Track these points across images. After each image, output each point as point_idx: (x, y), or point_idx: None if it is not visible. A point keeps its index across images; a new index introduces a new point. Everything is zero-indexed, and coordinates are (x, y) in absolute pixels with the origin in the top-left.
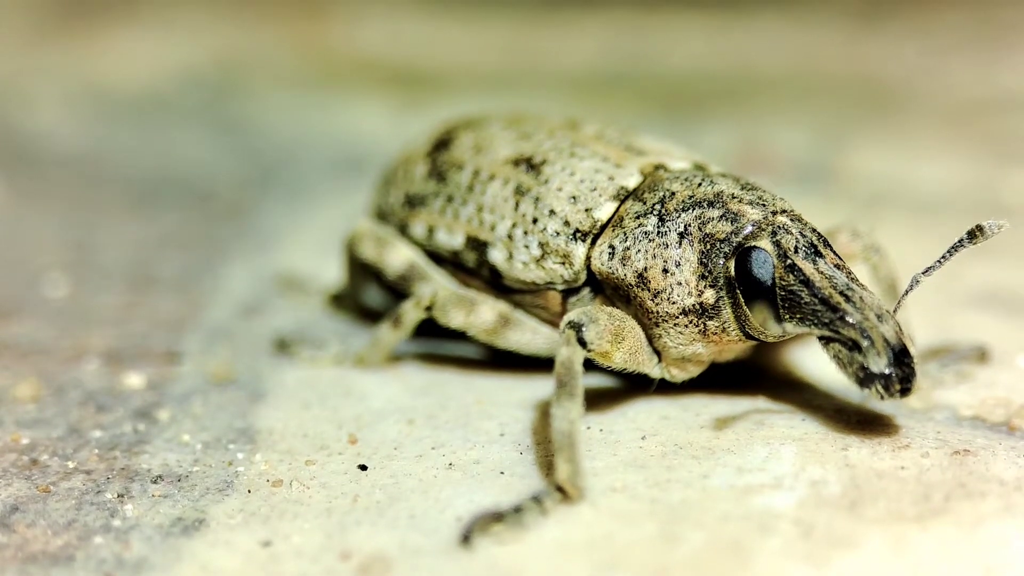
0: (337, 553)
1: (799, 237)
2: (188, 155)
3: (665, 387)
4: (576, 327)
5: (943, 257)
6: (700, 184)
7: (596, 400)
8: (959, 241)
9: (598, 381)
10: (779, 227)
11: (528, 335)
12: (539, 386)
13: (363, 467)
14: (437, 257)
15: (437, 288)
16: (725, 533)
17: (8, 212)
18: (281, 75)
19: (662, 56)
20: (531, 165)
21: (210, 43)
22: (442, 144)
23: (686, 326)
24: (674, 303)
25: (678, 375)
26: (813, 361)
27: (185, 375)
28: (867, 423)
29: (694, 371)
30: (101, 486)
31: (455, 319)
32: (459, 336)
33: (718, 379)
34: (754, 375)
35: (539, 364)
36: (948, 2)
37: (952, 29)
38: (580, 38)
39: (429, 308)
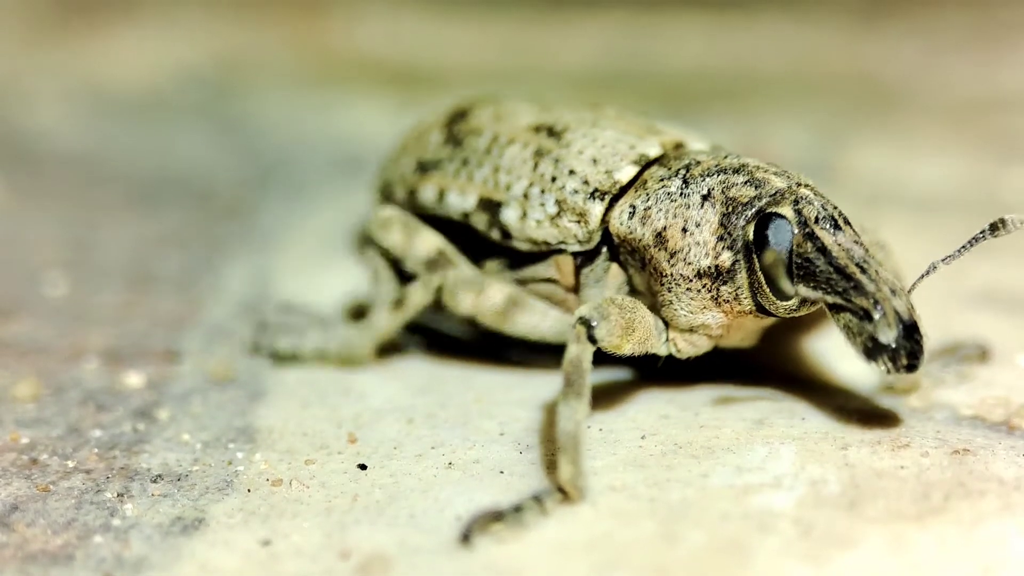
0: (336, 552)
1: (821, 209)
2: (188, 154)
3: (665, 385)
4: (587, 324)
5: (963, 247)
6: (726, 157)
7: (596, 398)
8: (980, 233)
9: (598, 377)
10: (802, 197)
11: (537, 317)
12: (539, 385)
13: (362, 466)
14: (443, 223)
15: (446, 271)
16: (724, 532)
17: (7, 211)
18: (281, 74)
19: (663, 55)
20: (552, 132)
21: (209, 42)
22: (459, 115)
23: (699, 291)
24: (690, 264)
25: (684, 349)
26: (813, 360)
27: (185, 374)
28: (867, 422)
29: (700, 346)
30: (101, 485)
31: (464, 303)
32: (457, 340)
33: (718, 378)
34: (754, 374)
35: (538, 360)
36: (948, 1)
37: (952, 28)
38: (581, 37)
39: (438, 290)
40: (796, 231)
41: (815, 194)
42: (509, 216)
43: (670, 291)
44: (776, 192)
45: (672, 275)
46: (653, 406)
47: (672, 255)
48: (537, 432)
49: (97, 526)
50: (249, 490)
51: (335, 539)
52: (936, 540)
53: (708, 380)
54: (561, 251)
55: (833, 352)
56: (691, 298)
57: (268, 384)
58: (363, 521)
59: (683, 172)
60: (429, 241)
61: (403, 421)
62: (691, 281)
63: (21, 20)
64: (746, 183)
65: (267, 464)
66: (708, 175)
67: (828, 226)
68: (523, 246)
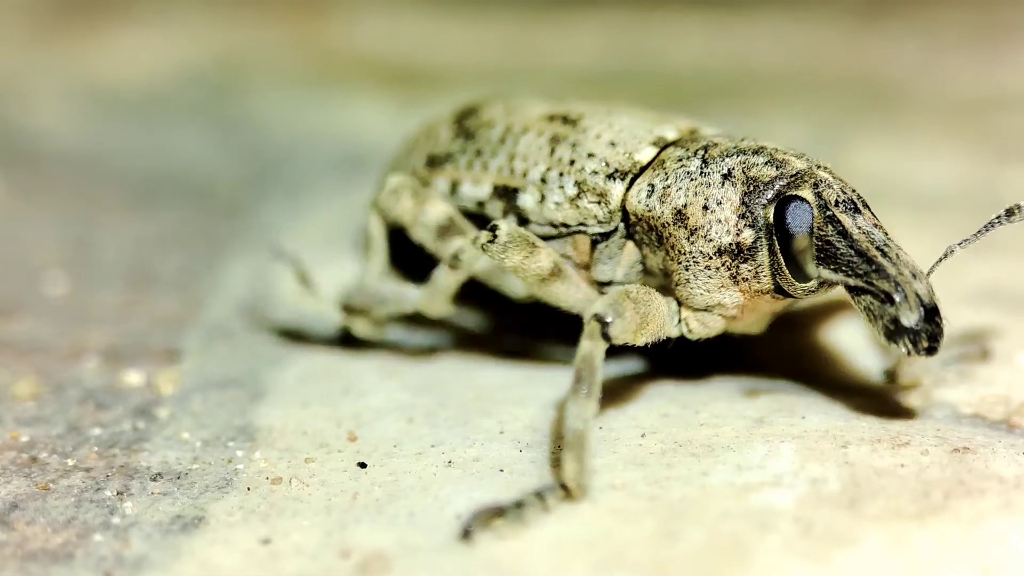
0: (336, 551)
1: (840, 192)
2: (187, 153)
3: (665, 383)
4: (601, 320)
5: (980, 231)
6: (743, 140)
7: None
8: (996, 218)
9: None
10: (821, 180)
11: (572, 289)
12: (539, 383)
13: (362, 465)
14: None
15: (499, 223)
16: (724, 531)
17: (8, 210)
18: (280, 73)
19: (663, 53)
20: (567, 119)
21: (209, 41)
22: (470, 112)
23: (718, 268)
24: (710, 241)
25: (696, 329)
26: (813, 359)
27: (184, 373)
28: (867, 420)
29: (713, 327)
30: (100, 484)
31: (512, 259)
32: (457, 337)
33: (718, 376)
34: (754, 373)
35: (535, 349)
36: (948, 0)
37: (952, 27)
38: (581, 35)
39: (490, 242)
40: (816, 214)
41: (834, 177)
42: (527, 201)
43: (688, 269)
44: (796, 173)
45: (691, 252)
46: (653, 404)
47: (692, 232)
48: (537, 430)
49: (97, 524)
50: (249, 488)
51: (335, 537)
52: (936, 539)
53: (708, 378)
54: (579, 232)
55: (832, 350)
56: (709, 276)
57: (268, 383)
58: (363, 519)
59: (702, 152)
60: (440, 208)
61: (403, 420)
62: (711, 258)
63: (21, 19)
64: (767, 163)
65: (267, 462)
66: (728, 155)
67: (848, 209)
68: (541, 230)
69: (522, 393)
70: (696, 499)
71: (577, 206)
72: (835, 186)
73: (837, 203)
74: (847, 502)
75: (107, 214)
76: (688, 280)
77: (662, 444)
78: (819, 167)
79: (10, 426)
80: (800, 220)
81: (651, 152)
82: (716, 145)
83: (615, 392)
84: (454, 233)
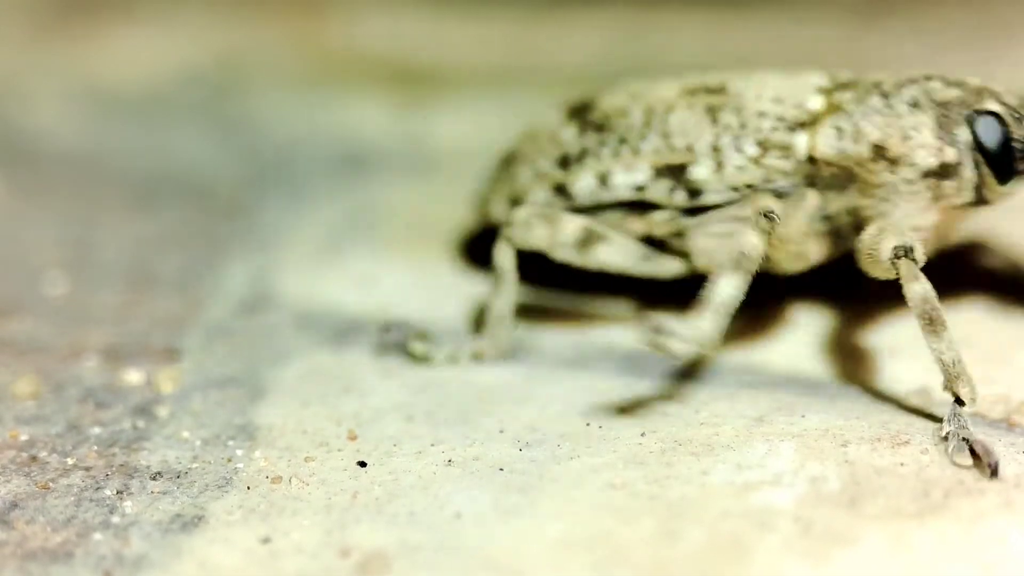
0: (336, 550)
1: (1017, 97)
2: (188, 153)
3: (665, 382)
4: (908, 252)
5: None
6: (903, 74)
7: (596, 396)
8: None
9: (598, 373)
10: (998, 90)
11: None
12: (539, 383)
13: (362, 464)
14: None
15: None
16: (724, 530)
17: (7, 210)
18: (280, 73)
19: (663, 53)
20: (711, 90)
21: (209, 41)
22: (583, 108)
23: (920, 191)
24: (914, 166)
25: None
26: (811, 359)
27: (185, 372)
28: (866, 419)
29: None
30: (100, 483)
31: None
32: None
33: (717, 375)
34: (754, 372)
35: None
36: (948, 0)
37: (951, 26)
38: (582, 35)
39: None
40: (1010, 120)
41: (1003, 87)
42: (700, 172)
43: (887, 200)
44: (977, 89)
45: (894, 183)
46: (653, 403)
47: (894, 162)
48: (537, 430)
49: (97, 523)
50: (249, 487)
51: (335, 537)
52: (936, 537)
53: (708, 377)
54: (760, 191)
55: (832, 350)
56: (911, 200)
57: (268, 382)
58: (363, 519)
59: (875, 89)
60: (573, 223)
61: (403, 419)
62: (915, 184)
63: (21, 19)
64: (946, 86)
65: (267, 461)
66: (903, 87)
67: None
68: (719, 197)
69: (522, 392)
70: (696, 498)
71: (762, 165)
72: (1011, 93)
73: (1021, 106)
74: (847, 501)
75: (107, 214)
76: (888, 211)
77: (662, 443)
78: (985, 84)
79: (10, 425)
80: (996, 130)
81: (819, 100)
82: (884, 83)
83: (614, 391)
84: (595, 241)
